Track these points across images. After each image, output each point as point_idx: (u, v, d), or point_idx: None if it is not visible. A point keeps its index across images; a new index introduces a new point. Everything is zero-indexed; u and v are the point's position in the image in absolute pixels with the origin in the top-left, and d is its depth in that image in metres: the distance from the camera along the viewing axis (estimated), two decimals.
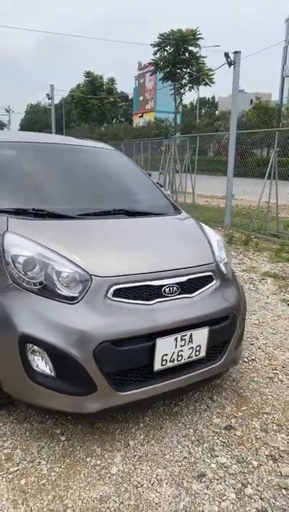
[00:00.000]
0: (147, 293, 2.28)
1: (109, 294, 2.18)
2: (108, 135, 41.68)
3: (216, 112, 50.17)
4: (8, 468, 2.07)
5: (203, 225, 3.17)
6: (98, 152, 3.68)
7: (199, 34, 23.57)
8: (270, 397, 2.79)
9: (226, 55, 8.11)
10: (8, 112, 46.07)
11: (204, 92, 68.39)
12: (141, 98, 68.27)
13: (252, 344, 3.55)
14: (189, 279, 2.45)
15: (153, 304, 2.27)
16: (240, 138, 11.73)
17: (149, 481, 2.04)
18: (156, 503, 1.92)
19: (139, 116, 64.97)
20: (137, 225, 2.84)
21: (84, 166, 3.34)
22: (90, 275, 2.19)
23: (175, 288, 2.37)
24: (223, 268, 2.72)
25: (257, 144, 10.94)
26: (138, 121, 61.90)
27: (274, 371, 3.12)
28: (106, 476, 2.06)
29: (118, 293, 2.20)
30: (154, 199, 3.37)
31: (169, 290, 2.35)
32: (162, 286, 2.33)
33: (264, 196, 8.57)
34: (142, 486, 2.01)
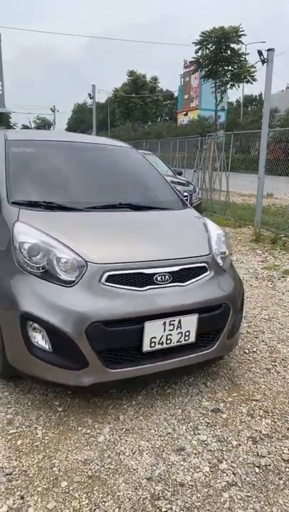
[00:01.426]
0: (139, 280, 2.46)
1: (103, 279, 2.39)
2: (151, 133, 41.96)
3: (262, 110, 48.92)
4: (8, 431, 2.33)
5: (207, 220, 3.30)
6: (113, 150, 3.90)
7: (242, 31, 23.31)
8: (263, 386, 2.90)
9: (259, 52, 8.08)
10: (53, 111, 47.60)
11: (251, 89, 67.15)
12: (186, 96, 67.97)
13: (256, 337, 3.65)
14: (182, 269, 2.61)
15: (144, 290, 2.45)
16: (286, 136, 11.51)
17: (131, 451, 2.23)
18: (134, 469, 2.11)
19: (184, 115, 64.74)
20: (138, 218, 3.03)
21: (97, 163, 3.58)
22: (86, 261, 2.41)
23: (167, 276, 2.54)
24: (219, 260, 2.86)
25: None
26: (182, 120, 61.75)
27: (273, 363, 3.21)
28: (93, 443, 2.27)
29: (111, 279, 2.41)
30: (162, 194, 3.54)
31: (161, 278, 2.52)
32: (154, 274, 2.51)
33: None
34: (124, 454, 2.21)
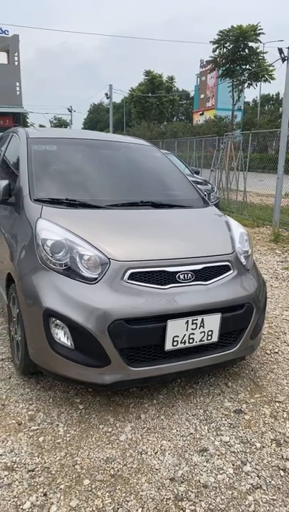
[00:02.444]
0: (162, 278, 2.44)
1: (125, 276, 2.37)
2: (167, 133, 41.84)
3: (280, 109, 48.34)
4: (30, 427, 2.33)
5: (229, 218, 3.25)
6: (133, 148, 3.88)
7: (260, 29, 23.01)
8: (286, 387, 2.84)
9: (280, 50, 7.98)
10: (70, 111, 47.86)
11: (268, 88, 66.40)
12: (202, 96, 67.56)
13: (278, 338, 3.59)
14: (205, 268, 2.58)
15: (167, 288, 2.43)
16: None
17: (153, 450, 2.21)
18: (156, 469, 2.08)
19: (200, 114, 64.37)
20: (160, 216, 3.00)
21: (118, 161, 3.57)
22: (109, 259, 2.40)
23: (190, 275, 2.51)
24: (242, 260, 2.81)
25: None
26: (198, 119, 61.42)
27: None
28: (115, 441, 2.25)
29: (134, 276, 2.39)
30: (183, 193, 3.50)
31: (184, 277, 2.49)
32: (177, 272, 2.48)
33: None
34: (146, 453, 2.18)
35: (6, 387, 2.70)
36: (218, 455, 2.20)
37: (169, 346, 2.39)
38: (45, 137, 3.58)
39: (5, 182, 3.03)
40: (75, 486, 1.95)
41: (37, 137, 3.50)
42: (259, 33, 23.41)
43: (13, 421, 2.38)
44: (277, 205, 8.98)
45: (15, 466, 2.06)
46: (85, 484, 1.97)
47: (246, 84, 25.46)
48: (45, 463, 2.09)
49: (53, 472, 2.03)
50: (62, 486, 1.95)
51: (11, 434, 2.27)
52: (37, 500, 1.86)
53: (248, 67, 24.42)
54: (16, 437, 2.25)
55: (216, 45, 24.17)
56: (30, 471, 2.03)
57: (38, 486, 1.94)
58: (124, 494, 1.92)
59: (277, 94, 71.78)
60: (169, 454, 2.19)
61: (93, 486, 1.96)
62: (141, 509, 1.85)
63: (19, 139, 3.47)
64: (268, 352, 3.32)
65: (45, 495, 1.90)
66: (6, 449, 2.16)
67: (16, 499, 1.87)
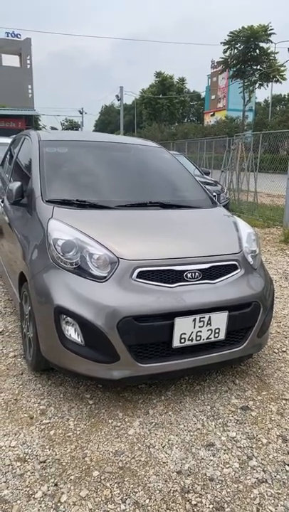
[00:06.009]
0: (170, 276, 2.49)
1: (134, 275, 2.44)
2: (178, 134, 41.89)
3: None
4: (42, 421, 2.41)
5: (237, 218, 3.30)
6: (143, 149, 3.95)
7: (271, 29, 22.92)
8: None
9: None
10: (81, 113, 48.22)
11: (279, 88, 65.99)
12: (213, 97, 67.43)
13: (286, 337, 3.61)
14: (212, 267, 2.63)
15: (174, 286, 2.48)
16: None
17: (161, 444, 2.26)
18: (163, 462, 2.14)
19: (211, 115, 64.24)
20: (168, 216, 3.06)
21: (128, 162, 3.64)
22: (118, 258, 2.46)
23: (197, 274, 2.56)
24: (250, 259, 2.85)
25: None
26: (209, 120, 61.31)
27: None
28: (123, 435, 2.32)
29: (142, 275, 2.45)
30: (192, 193, 3.56)
31: (191, 275, 2.54)
32: (184, 271, 2.53)
33: None
34: (154, 447, 2.24)
35: (19, 382, 2.78)
36: (225, 450, 2.25)
37: (176, 343, 2.44)
38: (57, 140, 3.66)
39: (17, 184, 3.12)
40: (84, 477, 2.02)
41: (49, 140, 3.59)
42: (270, 34, 23.30)
43: (25, 415, 2.46)
44: (287, 206, 8.95)
45: (27, 457, 2.13)
46: (94, 475, 2.03)
47: (257, 85, 25.34)
48: (56, 455, 2.16)
49: (64, 464, 2.10)
50: (72, 477, 2.02)
51: (23, 427, 2.35)
52: (48, 490, 1.93)
53: (259, 67, 24.31)
54: (28, 430, 2.33)
55: (227, 46, 24.12)
56: (41, 462, 2.10)
57: (49, 477, 2.01)
58: (132, 485, 1.98)
59: None
60: (176, 448, 2.24)
61: (102, 478, 2.02)
62: (148, 500, 1.91)
63: (31, 142, 3.56)
64: (276, 351, 3.35)
65: (56, 485, 1.97)
66: (19, 441, 2.24)
67: (28, 488, 1.94)
